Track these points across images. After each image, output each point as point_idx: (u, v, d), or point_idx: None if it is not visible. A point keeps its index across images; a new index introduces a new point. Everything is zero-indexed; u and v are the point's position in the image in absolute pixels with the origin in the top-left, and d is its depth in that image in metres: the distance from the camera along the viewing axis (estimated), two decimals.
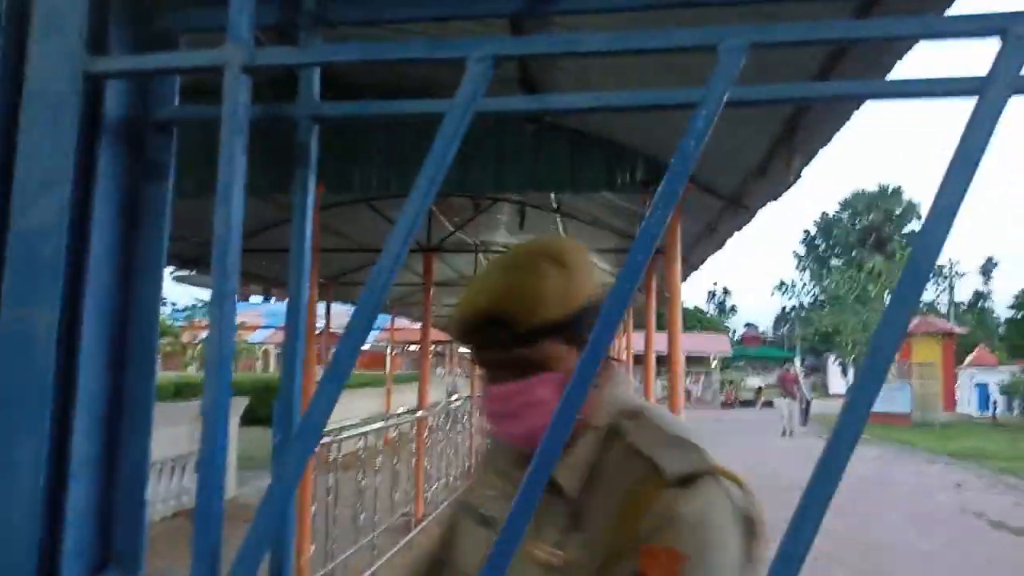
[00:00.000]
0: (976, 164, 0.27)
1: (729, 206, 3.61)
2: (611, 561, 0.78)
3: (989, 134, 0.27)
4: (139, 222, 0.45)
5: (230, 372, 0.36)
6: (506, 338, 0.84)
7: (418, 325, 11.16)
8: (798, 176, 2.64)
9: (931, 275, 0.29)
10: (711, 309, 59.20)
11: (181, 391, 12.37)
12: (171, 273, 7.12)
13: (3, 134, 0.39)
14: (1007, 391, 22.53)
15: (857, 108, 2.19)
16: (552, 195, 5.52)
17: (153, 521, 5.77)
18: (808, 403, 19.33)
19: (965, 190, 0.28)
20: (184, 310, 36.75)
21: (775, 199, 3.16)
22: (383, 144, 3.45)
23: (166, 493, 6.35)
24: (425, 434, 6.70)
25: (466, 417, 9.07)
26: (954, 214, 0.28)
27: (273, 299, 10.08)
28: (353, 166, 3.36)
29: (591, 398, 0.85)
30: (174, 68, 0.42)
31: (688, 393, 27.06)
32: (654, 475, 0.79)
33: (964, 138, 0.28)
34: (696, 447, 0.84)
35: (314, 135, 0.46)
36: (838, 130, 2.29)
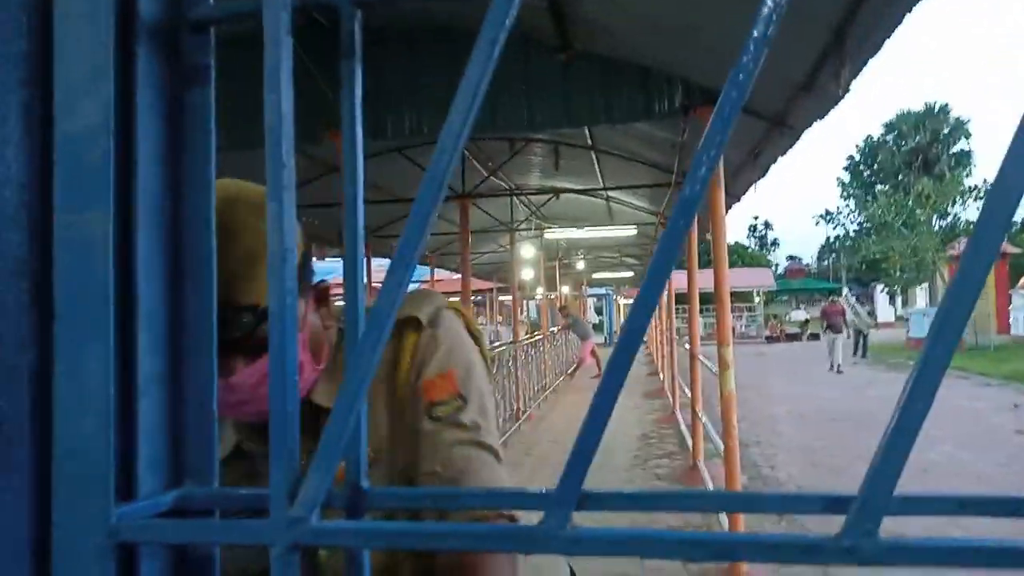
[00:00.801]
0: None
1: (773, 128, 3.48)
2: (402, 415, 0.88)
3: None
4: (183, 128, 0.43)
5: (294, 268, 0.34)
6: (251, 321, 0.78)
7: (458, 276, 11.22)
8: (847, 89, 2.51)
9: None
10: (753, 244, 58.30)
11: None
12: None
13: (39, 31, 0.37)
14: None
15: (910, 10, 2.06)
16: (586, 131, 5.41)
17: None
18: (865, 335, 18.33)
19: None
20: None
21: (821, 117, 3.02)
22: (414, 88, 3.39)
23: None
24: None
25: (510, 362, 9.15)
26: None
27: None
28: (385, 113, 3.31)
29: (325, 344, 0.90)
30: None
31: (732, 329, 26.87)
32: (410, 327, 0.91)
33: None
34: (422, 292, 0.98)
35: (358, 22, 0.42)
36: (889, 36, 2.16)
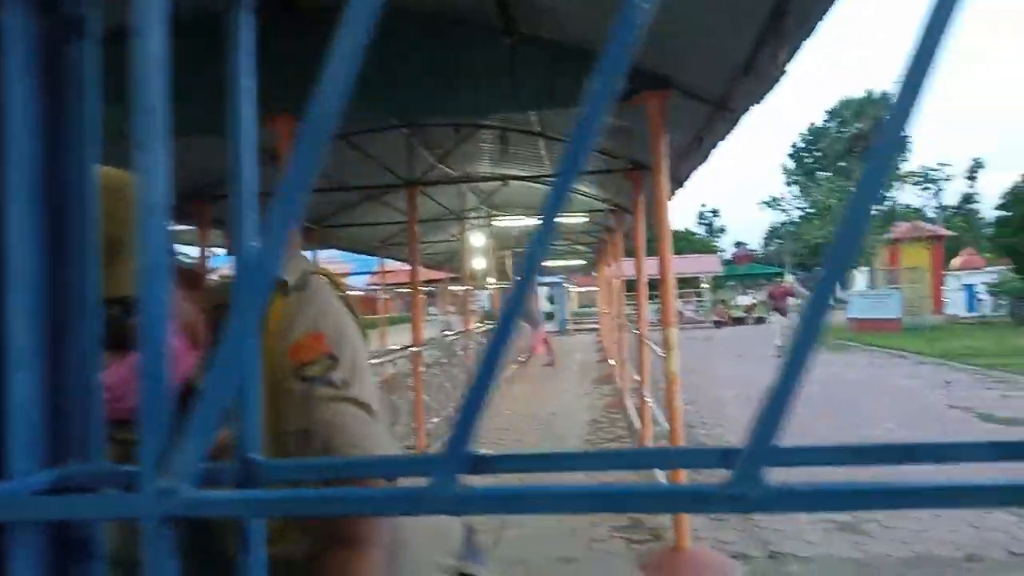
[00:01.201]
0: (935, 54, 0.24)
1: (715, 111, 3.52)
2: (269, 379, 0.85)
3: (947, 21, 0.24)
4: (61, 85, 0.40)
5: (165, 224, 0.32)
6: (118, 314, 0.75)
7: (409, 267, 11.11)
8: (783, 71, 2.56)
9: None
10: (700, 230, 59.31)
11: None
12: None
13: None
14: (994, 291, 22.84)
15: None
16: (534, 117, 5.40)
17: None
18: None
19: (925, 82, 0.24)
20: None
21: (761, 100, 3.08)
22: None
23: None
24: (423, 369, 6.74)
25: (462, 351, 9.14)
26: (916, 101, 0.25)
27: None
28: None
29: (200, 326, 0.88)
30: None
31: (680, 314, 27.34)
32: (278, 291, 0.89)
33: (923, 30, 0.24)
34: (294, 257, 0.98)
35: None
36: (824, 16, 2.20)
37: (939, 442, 0.30)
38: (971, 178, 47.36)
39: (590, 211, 9.84)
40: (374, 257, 12.40)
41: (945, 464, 0.31)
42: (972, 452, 0.32)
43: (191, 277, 0.89)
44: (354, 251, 11.21)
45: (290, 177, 0.32)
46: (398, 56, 3.38)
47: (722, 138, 4.00)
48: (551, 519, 4.62)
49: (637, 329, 5.97)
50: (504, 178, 7.43)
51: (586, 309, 33.36)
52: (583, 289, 35.36)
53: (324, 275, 0.96)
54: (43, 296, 0.39)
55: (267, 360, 0.86)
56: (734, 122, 3.61)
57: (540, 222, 0.29)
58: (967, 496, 0.28)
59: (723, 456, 0.32)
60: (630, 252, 6.62)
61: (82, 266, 0.40)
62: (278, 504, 0.32)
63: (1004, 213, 22.53)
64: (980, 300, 23.75)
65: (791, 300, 15.87)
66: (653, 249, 4.07)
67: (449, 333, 10.61)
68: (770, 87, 2.85)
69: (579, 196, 9.08)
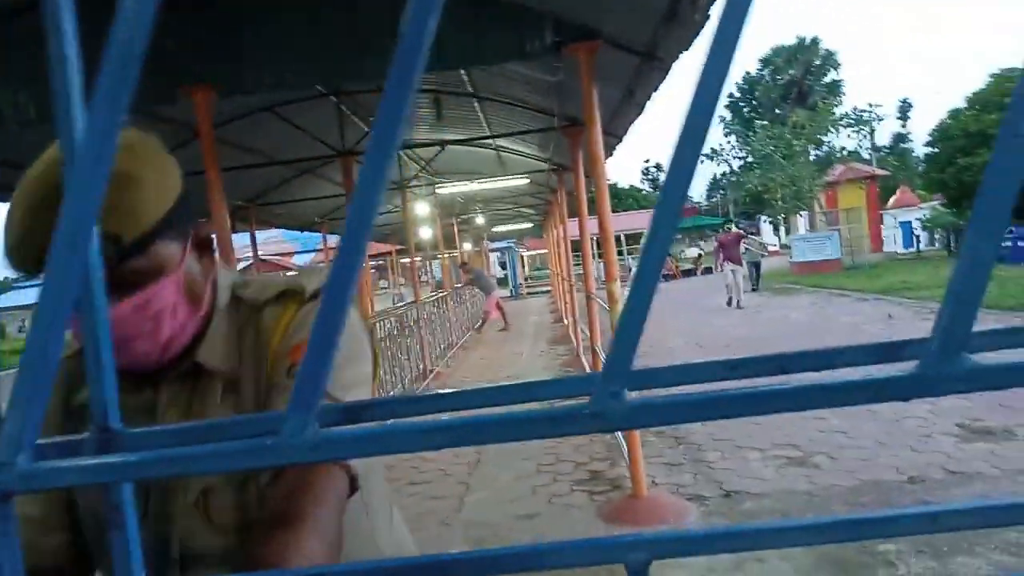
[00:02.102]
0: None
1: (644, 61, 3.52)
2: (271, 379, 0.89)
3: None
4: None
5: (95, 199, 0.29)
6: (113, 255, 0.77)
7: None
8: (706, 16, 2.56)
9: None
10: (647, 187, 59.85)
11: None
12: None
13: None
14: (928, 226, 23.68)
15: None
16: (465, 77, 5.32)
17: None
18: (758, 264, 17.48)
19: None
20: None
21: (688, 47, 3.08)
22: (274, 38, 3.21)
23: None
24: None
25: (414, 322, 9.10)
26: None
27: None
28: (241, 64, 3.11)
29: (206, 292, 0.90)
30: None
31: (630, 270, 27.69)
32: (294, 299, 0.93)
33: None
34: (315, 269, 1.02)
35: None
36: None
37: (815, 349, 0.30)
38: (902, 118, 48.71)
39: (532, 172, 9.81)
40: (318, 234, 12.18)
41: (823, 371, 0.31)
42: (848, 357, 0.31)
43: (200, 240, 0.89)
44: (296, 228, 10.99)
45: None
46: (320, 20, 3.27)
47: (654, 89, 4.01)
48: (514, 482, 4.68)
49: (585, 287, 6.02)
50: (442, 143, 7.34)
51: (539, 272, 33.51)
52: (534, 252, 35.47)
53: None
54: None
55: (270, 363, 0.90)
56: (664, 71, 3.61)
57: (358, 196, 0.27)
58: (833, 396, 0.27)
59: (580, 383, 0.31)
60: (575, 211, 6.64)
61: None
62: (132, 467, 0.30)
63: (933, 150, 23.26)
64: (916, 236, 24.62)
65: (743, 247, 14.65)
66: (594, 210, 4.08)
67: (401, 304, 10.54)
68: (695, 33, 2.86)
69: (519, 157, 9.03)
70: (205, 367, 0.89)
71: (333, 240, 13.25)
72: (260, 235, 8.97)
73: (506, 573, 0.32)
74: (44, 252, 0.76)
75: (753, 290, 16.74)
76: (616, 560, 0.30)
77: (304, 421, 0.28)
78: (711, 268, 23.85)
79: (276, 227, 10.37)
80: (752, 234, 20.95)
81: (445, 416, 0.31)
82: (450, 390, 0.34)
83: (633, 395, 0.28)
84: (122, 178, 0.77)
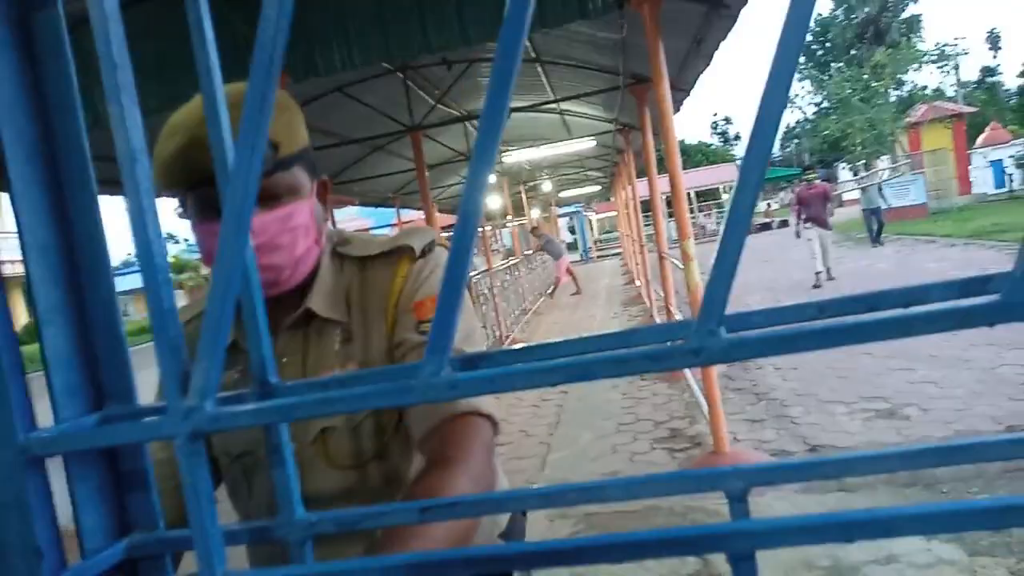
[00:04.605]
0: None
1: (711, 9, 3.42)
2: (391, 330, 0.96)
3: None
4: (37, 54, 0.42)
5: (146, 168, 0.35)
6: (271, 162, 0.87)
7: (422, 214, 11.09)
8: None
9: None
10: (715, 141, 58.16)
11: None
12: (175, 210, 7.10)
13: None
14: (1022, 163, 22.21)
15: None
16: (528, 44, 5.29)
17: None
18: (877, 211, 14.46)
19: None
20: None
21: None
22: (340, 21, 3.28)
23: None
24: None
25: (488, 290, 9.21)
26: None
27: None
28: (312, 48, 3.20)
29: (323, 233, 1.00)
30: None
31: (702, 228, 27.09)
32: (405, 256, 0.99)
33: None
34: (419, 228, 1.06)
35: None
36: None
37: (901, 287, 0.31)
38: (993, 49, 45.53)
39: (598, 134, 9.69)
40: (391, 208, 12.41)
41: (913, 307, 0.31)
42: (937, 293, 0.32)
43: (321, 185, 1.00)
44: (371, 205, 11.23)
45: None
46: (374, 5, 3.31)
47: (722, 38, 3.89)
48: (595, 441, 4.73)
49: (657, 248, 5.96)
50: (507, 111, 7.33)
51: (608, 234, 33.20)
52: (603, 215, 35.11)
53: (445, 245, 1.07)
54: (56, 262, 0.42)
55: (391, 316, 0.97)
56: (732, 19, 3.51)
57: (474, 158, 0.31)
58: (920, 325, 0.29)
59: (683, 326, 0.34)
60: (644, 172, 6.55)
61: (90, 230, 0.43)
62: (295, 408, 0.35)
63: None
64: (1009, 175, 23.13)
65: (829, 206, 10.29)
66: (664, 168, 4.03)
67: (473, 273, 10.68)
68: None
69: (584, 120, 8.93)
70: (317, 315, 0.97)
71: (407, 214, 13.46)
72: (338, 213, 9.22)
73: (613, 501, 0.36)
74: (201, 170, 0.85)
75: (875, 245, 14.19)
76: (716, 488, 0.34)
77: (439, 364, 0.33)
78: (787, 221, 23.00)
79: (353, 204, 10.61)
80: (866, 179, 18.53)
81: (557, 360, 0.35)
82: (555, 339, 0.38)
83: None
84: (280, 103, 0.90)
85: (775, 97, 0.29)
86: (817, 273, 9.90)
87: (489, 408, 0.90)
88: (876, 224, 14.51)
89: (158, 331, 0.34)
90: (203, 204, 0.88)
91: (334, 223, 9.36)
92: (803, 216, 10.09)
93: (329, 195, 1.02)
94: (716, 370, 3.82)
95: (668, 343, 0.34)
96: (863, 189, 15.40)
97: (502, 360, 0.37)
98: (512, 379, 0.33)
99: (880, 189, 14.96)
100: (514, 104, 7.24)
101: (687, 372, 5.37)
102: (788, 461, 0.33)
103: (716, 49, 4.17)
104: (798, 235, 10.34)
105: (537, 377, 0.32)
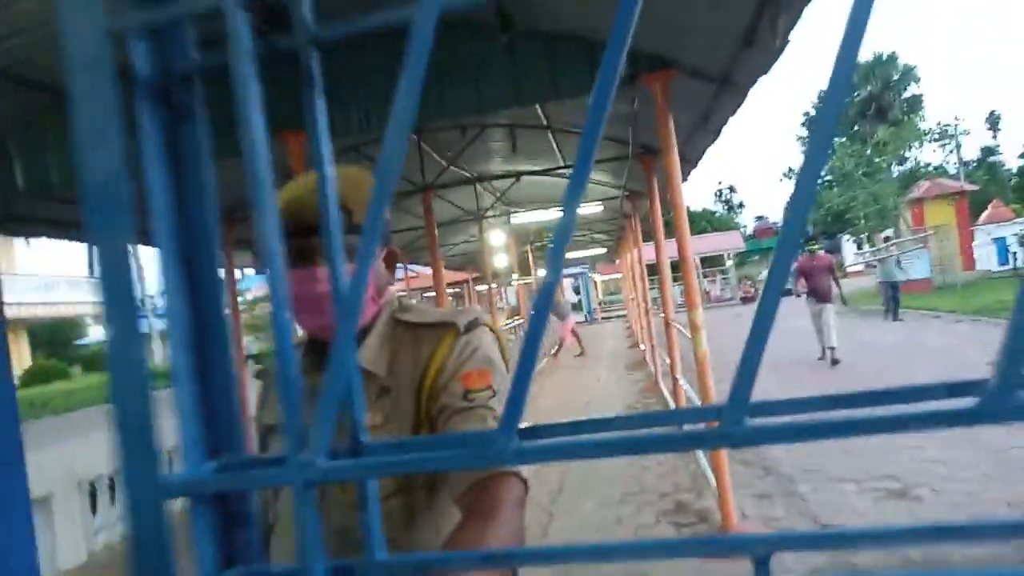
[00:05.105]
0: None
1: (720, 87, 3.57)
2: (430, 400, 1.08)
3: None
4: (181, 161, 0.51)
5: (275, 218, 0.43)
6: (347, 226, 1.04)
7: (431, 271, 11.23)
8: (786, 40, 2.60)
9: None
10: (719, 209, 58.85)
11: None
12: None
13: None
14: None
15: None
16: (540, 111, 5.48)
17: None
18: (895, 285, 14.07)
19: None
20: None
21: (766, 72, 3.11)
22: (354, 86, 3.44)
23: None
24: None
25: None
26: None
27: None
28: (330, 108, 3.36)
29: (383, 296, 1.18)
30: (179, 15, 0.47)
31: (707, 293, 27.21)
32: (450, 330, 1.12)
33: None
34: (467, 308, 1.19)
35: (315, 60, 0.51)
36: None
37: (900, 387, 0.35)
38: (992, 129, 46.47)
39: (605, 199, 9.89)
40: (398, 265, 12.56)
41: (918, 403, 0.35)
42: (939, 391, 0.34)
43: (390, 254, 1.22)
44: None
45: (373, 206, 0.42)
46: (398, 60, 3.47)
47: (731, 114, 4.04)
48: (598, 510, 4.71)
49: (663, 313, 6.04)
50: (517, 175, 7.52)
51: (613, 296, 33.31)
52: (607, 277, 35.32)
53: (487, 325, 1.22)
54: (190, 330, 0.50)
55: (428, 388, 1.09)
56: (741, 97, 3.65)
57: (562, 213, 0.38)
58: (912, 423, 0.35)
59: (718, 411, 0.41)
60: (649, 236, 6.68)
61: (211, 302, 0.52)
62: (390, 466, 0.43)
63: None
64: (1013, 253, 23.31)
65: (836, 277, 9.85)
66: (673, 231, 4.13)
67: None
68: (774, 58, 2.88)
69: (593, 185, 9.13)
70: (361, 367, 1.07)
71: (414, 269, 13.61)
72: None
73: (646, 560, 0.42)
74: (313, 219, 1.04)
75: (894, 319, 13.71)
76: (742, 553, 0.40)
77: (510, 435, 0.40)
78: (790, 289, 22.99)
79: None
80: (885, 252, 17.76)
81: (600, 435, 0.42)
82: (597, 415, 0.45)
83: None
84: (360, 179, 1.12)
85: (805, 187, 0.36)
86: (823, 348, 9.63)
87: (521, 468, 1.00)
88: (893, 297, 14.15)
89: (285, 395, 0.42)
90: (308, 252, 1.06)
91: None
92: (804, 286, 9.72)
93: (395, 263, 1.19)
94: None
95: (703, 424, 0.41)
96: (880, 261, 15.25)
97: (560, 431, 0.45)
98: (571, 450, 0.40)
99: (899, 262, 14.84)
100: (525, 168, 7.43)
101: None
102: (810, 532, 0.39)
103: (724, 124, 4.32)
104: (798, 295, 9.98)
105: (594, 450, 0.40)
